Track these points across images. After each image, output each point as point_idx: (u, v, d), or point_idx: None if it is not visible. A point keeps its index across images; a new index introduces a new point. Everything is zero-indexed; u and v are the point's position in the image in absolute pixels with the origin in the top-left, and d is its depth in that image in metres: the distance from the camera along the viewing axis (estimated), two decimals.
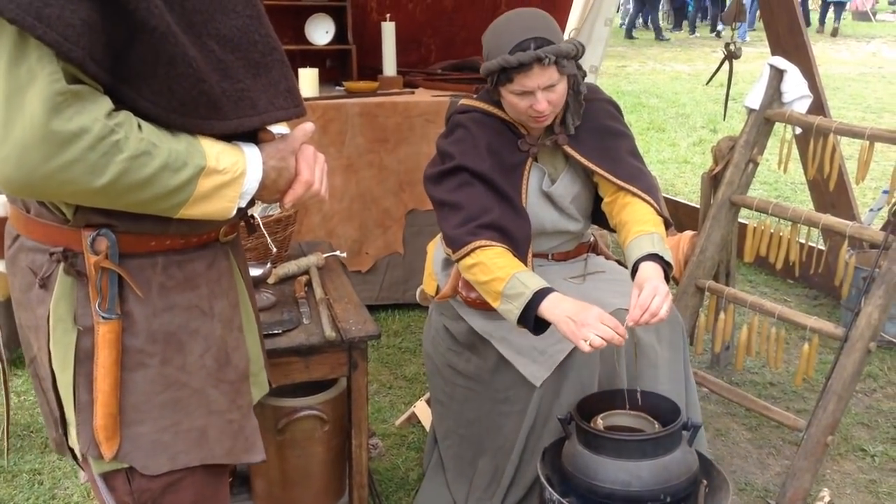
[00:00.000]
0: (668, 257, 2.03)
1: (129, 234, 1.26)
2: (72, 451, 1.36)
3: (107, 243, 1.24)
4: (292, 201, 1.33)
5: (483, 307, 2.21)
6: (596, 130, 2.24)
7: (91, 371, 1.26)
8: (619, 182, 2.18)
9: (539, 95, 2.04)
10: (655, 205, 2.17)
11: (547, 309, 1.92)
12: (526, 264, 2.10)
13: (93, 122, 1.10)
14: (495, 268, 2.00)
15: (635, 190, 2.17)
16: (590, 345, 1.83)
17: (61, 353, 1.27)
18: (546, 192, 2.24)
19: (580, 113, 2.20)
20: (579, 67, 2.16)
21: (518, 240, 2.11)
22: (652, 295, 1.89)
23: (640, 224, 2.10)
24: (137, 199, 1.17)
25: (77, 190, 1.12)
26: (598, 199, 2.34)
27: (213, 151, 1.22)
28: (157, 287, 1.29)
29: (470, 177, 2.12)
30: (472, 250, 2.02)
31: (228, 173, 1.23)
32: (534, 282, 1.96)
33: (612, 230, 2.36)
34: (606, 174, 2.19)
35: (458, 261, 2.07)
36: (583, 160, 2.20)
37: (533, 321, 1.94)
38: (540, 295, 1.93)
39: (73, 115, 1.08)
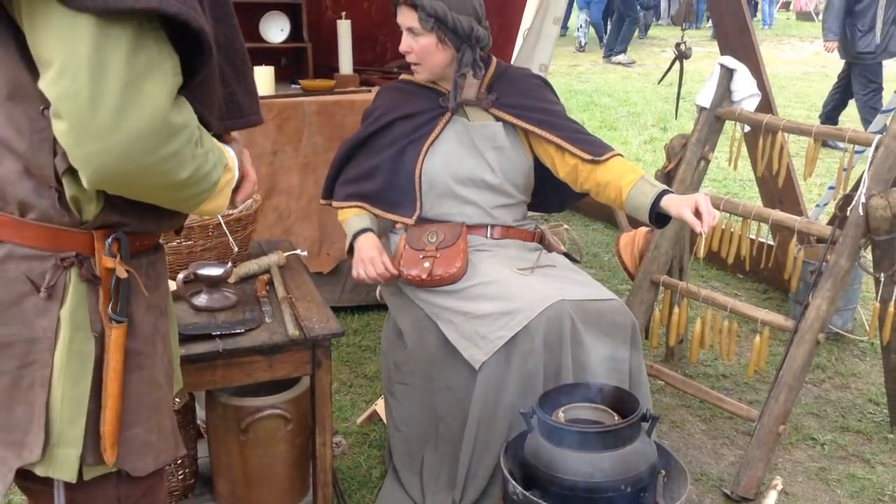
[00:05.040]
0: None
1: (133, 234, 1.27)
2: (28, 473, 1.25)
3: (118, 245, 1.23)
4: (244, 200, 1.40)
5: (423, 284, 2.33)
6: (527, 98, 2.44)
7: (100, 378, 1.24)
8: (577, 152, 2.34)
9: (404, 35, 2.33)
10: (617, 154, 2.35)
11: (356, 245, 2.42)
12: (414, 201, 2.43)
13: (191, 117, 1.13)
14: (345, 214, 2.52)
15: (589, 157, 2.33)
16: (357, 275, 2.38)
17: (77, 365, 1.22)
18: (467, 133, 2.41)
19: (456, 93, 2.39)
20: (469, 47, 2.33)
21: (392, 194, 2.45)
22: (707, 201, 2.13)
23: (625, 176, 2.28)
24: (190, 193, 1.19)
25: (161, 183, 1.13)
26: (542, 182, 2.52)
27: (226, 151, 1.29)
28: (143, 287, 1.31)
29: (368, 137, 2.48)
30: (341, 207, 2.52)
31: (232, 171, 1.30)
32: (356, 225, 2.45)
33: (554, 208, 2.78)
34: (562, 142, 2.36)
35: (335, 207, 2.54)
36: (515, 120, 2.41)
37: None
38: (357, 235, 2.43)
39: (181, 108, 1.12)
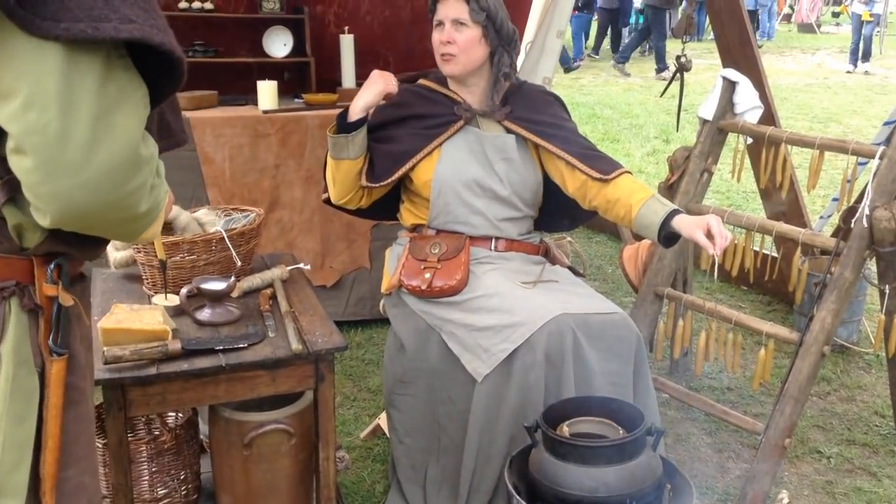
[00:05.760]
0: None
1: (73, 261, 1.20)
2: None
3: (59, 271, 1.16)
4: (167, 216, 1.37)
5: (423, 294, 2.33)
6: (539, 113, 2.45)
7: (42, 417, 1.15)
8: (586, 170, 2.34)
9: (447, 26, 2.33)
10: (625, 172, 2.36)
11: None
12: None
13: (155, 147, 1.09)
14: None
15: (598, 175, 2.33)
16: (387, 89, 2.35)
17: (21, 403, 1.13)
18: (479, 143, 2.41)
19: (499, 91, 2.41)
20: (506, 51, 2.38)
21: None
22: (719, 223, 2.13)
23: (635, 195, 2.28)
24: (143, 223, 1.13)
25: (122, 217, 1.07)
26: (551, 200, 2.51)
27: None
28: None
29: (377, 126, 2.45)
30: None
31: (168, 194, 1.23)
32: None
33: (563, 227, 2.74)
34: (572, 159, 2.36)
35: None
36: (527, 134, 2.41)
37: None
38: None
39: (147, 139, 1.07)
